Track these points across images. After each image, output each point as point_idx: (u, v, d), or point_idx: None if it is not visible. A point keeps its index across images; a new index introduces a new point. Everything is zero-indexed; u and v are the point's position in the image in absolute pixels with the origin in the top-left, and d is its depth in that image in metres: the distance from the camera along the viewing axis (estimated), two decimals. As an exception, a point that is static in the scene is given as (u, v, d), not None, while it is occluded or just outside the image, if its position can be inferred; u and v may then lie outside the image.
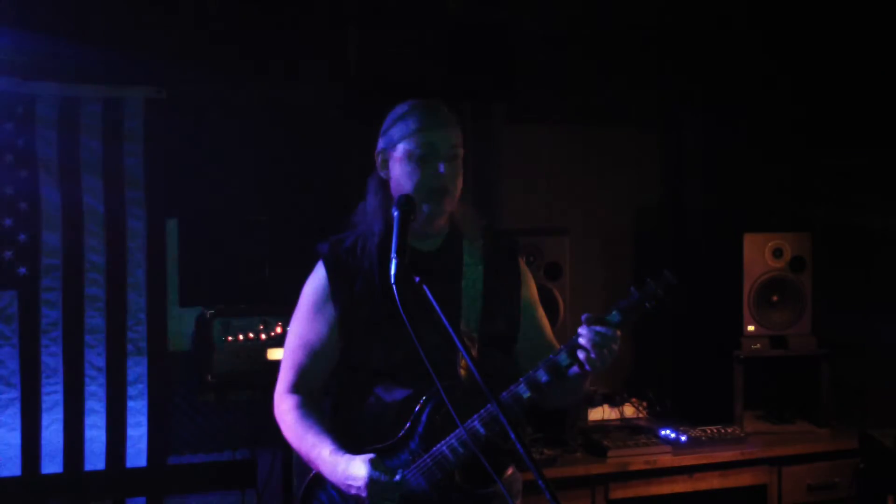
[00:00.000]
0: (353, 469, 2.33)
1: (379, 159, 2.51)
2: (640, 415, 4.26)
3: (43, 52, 3.56)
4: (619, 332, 2.28)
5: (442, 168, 2.42)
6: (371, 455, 2.34)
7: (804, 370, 4.14)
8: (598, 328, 2.26)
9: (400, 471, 2.35)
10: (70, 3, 3.63)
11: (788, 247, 4.09)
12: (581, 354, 2.27)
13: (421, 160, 2.42)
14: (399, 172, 2.45)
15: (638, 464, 3.75)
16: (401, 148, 2.44)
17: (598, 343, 2.25)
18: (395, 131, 2.46)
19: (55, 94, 3.61)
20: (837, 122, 4.35)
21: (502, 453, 2.45)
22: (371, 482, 2.29)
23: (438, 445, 2.36)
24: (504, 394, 2.32)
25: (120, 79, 3.69)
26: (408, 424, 2.41)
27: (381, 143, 2.51)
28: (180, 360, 3.81)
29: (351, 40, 4.02)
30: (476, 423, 2.31)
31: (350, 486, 2.34)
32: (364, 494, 2.31)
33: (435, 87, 3.86)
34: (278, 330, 3.64)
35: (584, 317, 2.30)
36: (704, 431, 3.92)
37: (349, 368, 2.52)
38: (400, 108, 2.50)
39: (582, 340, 2.27)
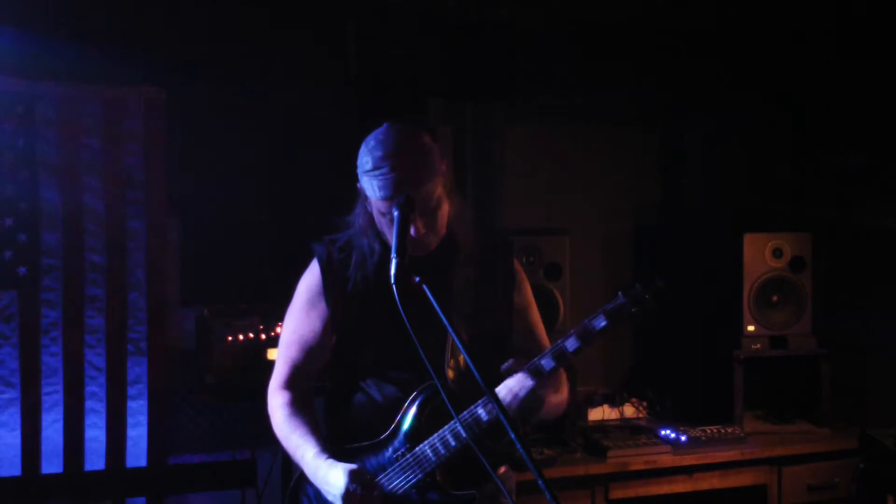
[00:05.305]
0: (332, 477, 2.34)
1: (360, 193, 2.43)
2: (640, 415, 4.26)
3: (43, 52, 3.56)
4: (545, 381, 2.30)
5: (415, 230, 2.29)
6: (352, 466, 2.34)
7: (804, 370, 4.14)
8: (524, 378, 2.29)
9: (380, 482, 2.37)
10: (70, 3, 3.63)
11: (788, 247, 4.09)
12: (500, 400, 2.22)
13: (396, 221, 2.28)
14: (378, 221, 2.39)
15: (638, 464, 3.75)
16: (374, 205, 2.37)
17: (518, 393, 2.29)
18: (366, 185, 2.34)
19: (55, 94, 3.60)
20: (837, 122, 4.35)
21: (494, 454, 2.45)
22: (347, 493, 2.30)
23: (421, 445, 2.38)
24: (479, 403, 2.32)
25: (120, 79, 3.69)
26: (393, 423, 2.43)
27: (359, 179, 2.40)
28: (180, 360, 3.81)
29: (350, 40, 4.02)
30: (458, 425, 2.31)
31: (327, 491, 2.36)
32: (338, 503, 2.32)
33: (435, 86, 3.87)
34: (278, 330, 3.64)
35: (504, 366, 2.32)
36: (704, 431, 3.92)
37: (341, 365, 2.53)
38: (366, 158, 2.32)
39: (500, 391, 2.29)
